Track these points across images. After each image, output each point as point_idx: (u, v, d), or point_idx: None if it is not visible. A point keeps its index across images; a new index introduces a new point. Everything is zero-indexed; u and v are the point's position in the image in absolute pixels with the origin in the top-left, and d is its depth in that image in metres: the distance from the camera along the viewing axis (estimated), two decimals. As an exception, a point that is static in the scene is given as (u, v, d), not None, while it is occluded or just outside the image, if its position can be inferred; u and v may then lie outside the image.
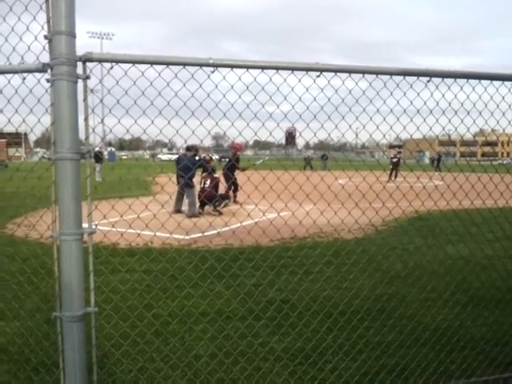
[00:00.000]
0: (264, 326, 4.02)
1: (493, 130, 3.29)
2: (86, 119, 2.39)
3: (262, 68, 2.53)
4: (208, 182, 12.73)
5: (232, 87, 2.59)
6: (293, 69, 2.56)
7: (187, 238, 7.82)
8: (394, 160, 26.25)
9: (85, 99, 2.39)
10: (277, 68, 2.55)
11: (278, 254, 6.37)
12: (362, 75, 2.68)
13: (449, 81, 2.85)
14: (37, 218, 4.19)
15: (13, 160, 65.82)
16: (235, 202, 14.11)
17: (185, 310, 4.22)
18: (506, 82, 2.97)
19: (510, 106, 3.09)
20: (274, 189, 3.12)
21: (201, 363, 3.39)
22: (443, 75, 2.77)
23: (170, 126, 2.63)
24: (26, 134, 78.68)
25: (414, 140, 3.28)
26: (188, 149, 13.07)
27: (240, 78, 2.55)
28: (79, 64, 2.34)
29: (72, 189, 2.29)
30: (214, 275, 4.23)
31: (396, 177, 24.61)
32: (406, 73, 2.73)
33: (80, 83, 2.35)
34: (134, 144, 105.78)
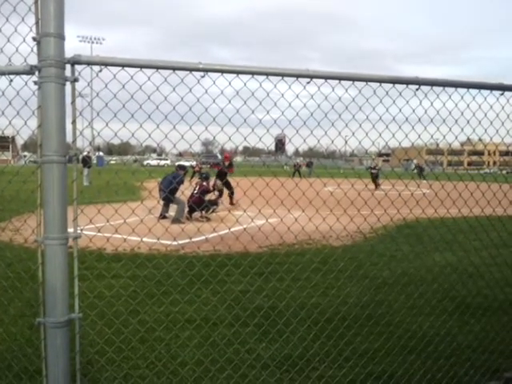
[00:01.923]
0: (251, 333, 3.99)
1: (480, 139, 3.32)
2: (73, 122, 2.37)
3: (252, 74, 2.53)
4: (197, 188, 12.98)
5: (222, 92, 2.58)
6: (283, 75, 2.56)
7: (175, 243, 7.78)
8: (373, 172, 26.24)
9: (73, 102, 2.36)
10: (267, 74, 2.55)
11: (266, 260, 6.35)
12: (351, 82, 2.69)
13: (438, 89, 2.87)
14: (21, 222, 4.13)
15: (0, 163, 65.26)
16: (232, 204, 14.36)
17: (171, 316, 4.17)
18: (493, 92, 3.00)
19: (497, 115, 3.12)
20: (263, 195, 3.11)
21: (186, 370, 3.35)
22: (432, 83, 2.78)
23: (158, 130, 2.62)
24: (13, 138, 78.08)
25: (402, 148, 3.29)
26: (180, 167, 13.63)
27: (230, 84, 2.54)
28: (68, 66, 2.32)
29: (58, 192, 2.25)
30: (201, 281, 4.19)
31: (376, 187, 24.30)
32: (395, 81, 2.74)
33: (68, 86, 2.33)
34: (123, 149, 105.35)
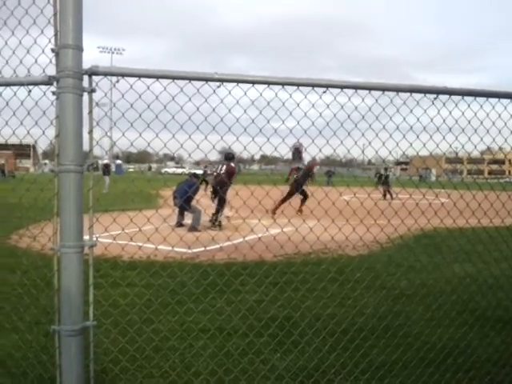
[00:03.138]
0: (266, 344, 3.96)
1: (500, 148, 3.27)
2: (90, 132, 2.39)
3: (268, 83, 2.53)
4: (223, 168, 12.83)
5: (237, 102, 2.58)
6: (298, 84, 2.56)
7: (190, 252, 7.81)
8: (383, 178, 25.74)
9: (90, 112, 2.39)
10: (282, 84, 2.54)
11: (281, 269, 6.32)
12: (368, 91, 2.67)
13: (456, 98, 2.84)
14: (39, 230, 4.17)
15: (20, 171, 66.34)
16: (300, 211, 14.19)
17: (185, 325, 4.16)
18: (513, 101, 2.95)
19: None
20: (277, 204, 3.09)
21: (200, 380, 3.34)
22: (450, 92, 2.75)
23: (174, 139, 2.63)
24: (34, 146, 79.49)
25: (420, 157, 3.26)
26: (194, 176, 13.59)
27: (246, 93, 2.55)
28: (85, 77, 2.35)
29: (74, 201, 2.28)
30: (216, 291, 4.17)
31: (385, 196, 23.47)
32: (412, 89, 2.72)
33: (85, 96, 2.36)
34: (141, 157, 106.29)
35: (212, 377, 3.42)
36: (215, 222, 12.36)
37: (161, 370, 3.49)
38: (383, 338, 4.02)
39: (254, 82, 2.51)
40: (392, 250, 8.90)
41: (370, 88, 2.67)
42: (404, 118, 2.79)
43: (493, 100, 2.96)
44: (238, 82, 2.49)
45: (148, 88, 2.45)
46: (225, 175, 12.79)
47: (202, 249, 6.50)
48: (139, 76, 2.42)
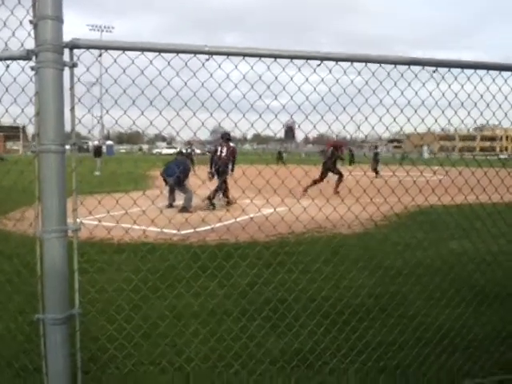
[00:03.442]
0: (259, 327, 3.86)
1: (500, 123, 3.16)
2: (72, 109, 2.25)
3: (260, 56, 2.39)
4: (224, 149, 12.90)
5: (228, 76, 2.45)
6: (292, 57, 2.42)
7: (179, 233, 7.69)
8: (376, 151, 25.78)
9: (71, 88, 2.24)
10: (275, 56, 2.41)
11: (274, 250, 6.23)
12: (364, 65, 2.54)
13: (455, 72, 2.72)
14: (21, 214, 4.01)
15: (11, 153, 65.52)
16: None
17: (175, 310, 4.04)
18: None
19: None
20: (271, 183, 2.98)
21: (192, 366, 3.25)
22: (450, 65, 2.63)
23: (162, 117, 2.49)
24: (23, 128, 78.40)
25: (418, 134, 3.15)
26: (181, 153, 13.63)
27: (236, 67, 2.41)
28: (66, 51, 2.21)
29: (56, 183, 2.15)
30: (208, 273, 4.06)
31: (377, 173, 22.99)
32: (411, 62, 2.59)
33: (67, 71, 2.22)
34: (133, 137, 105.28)
35: (205, 362, 3.34)
36: (211, 202, 12.30)
37: (151, 357, 3.40)
38: (379, 318, 3.97)
39: (245, 55, 2.37)
40: (388, 228, 8.85)
41: (366, 60, 2.54)
42: (402, 93, 2.67)
43: (494, 73, 2.84)
44: (229, 54, 2.35)
45: (133, 62, 2.31)
46: (226, 157, 12.79)
47: (192, 230, 6.36)
48: (124, 49, 2.27)
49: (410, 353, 3.55)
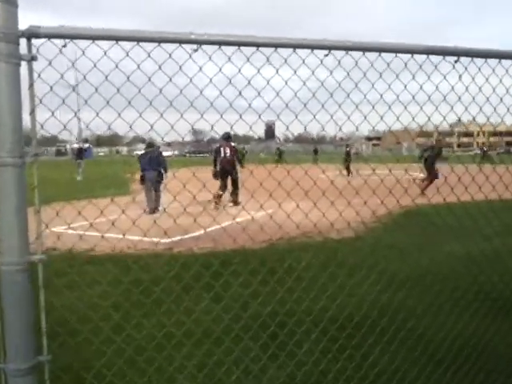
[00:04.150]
0: (247, 349, 3.45)
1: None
2: (32, 113, 1.85)
3: (258, 45, 2.02)
4: (228, 150, 13.00)
5: (220, 70, 2.07)
6: (296, 46, 2.06)
7: (164, 241, 7.26)
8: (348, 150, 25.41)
9: (30, 86, 1.84)
10: (277, 45, 2.04)
11: (262, 257, 5.86)
12: (378, 54, 2.19)
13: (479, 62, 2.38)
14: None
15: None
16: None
17: (164, 330, 3.62)
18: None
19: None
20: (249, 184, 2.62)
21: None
22: (475, 54, 2.29)
23: (141, 118, 2.11)
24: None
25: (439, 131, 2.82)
26: (150, 145, 12.99)
27: (230, 59, 2.03)
28: (23, 41, 1.81)
29: (15, 204, 1.75)
30: (201, 286, 3.66)
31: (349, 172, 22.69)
32: (430, 51, 2.25)
33: (24, 66, 1.82)
34: (112, 140, 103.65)
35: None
36: (236, 201, 12.44)
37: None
38: (386, 334, 3.62)
39: (240, 44, 1.99)
40: (379, 231, 8.55)
41: (380, 50, 2.18)
42: (421, 86, 2.33)
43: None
44: (222, 43, 1.97)
45: (105, 54, 1.92)
46: (230, 157, 12.87)
47: (179, 238, 5.95)
48: (94, 38, 1.88)
49: (423, 373, 3.23)
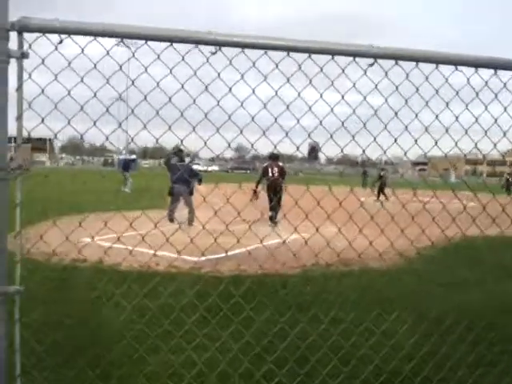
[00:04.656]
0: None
1: None
2: (18, 118, 1.58)
3: (289, 50, 1.69)
4: (275, 169, 13.12)
5: (242, 77, 1.75)
6: (335, 53, 1.71)
7: (193, 259, 6.95)
8: (382, 173, 24.36)
9: (19, 88, 1.58)
10: (310, 51, 1.70)
11: (294, 287, 5.46)
12: (454, 68, 1.81)
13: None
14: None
15: (36, 165, 66.15)
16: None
17: (171, 369, 3.19)
18: None
19: None
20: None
21: None
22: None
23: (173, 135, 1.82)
24: (50, 140, 79.43)
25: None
26: (176, 154, 12.22)
27: (254, 65, 1.71)
28: (13, 36, 1.55)
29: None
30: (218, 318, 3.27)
31: (379, 196, 21.84)
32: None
33: (13, 64, 1.56)
34: (158, 152, 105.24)
35: None
36: (273, 221, 12.12)
37: None
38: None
39: (268, 48, 1.67)
40: (420, 263, 7.95)
41: (453, 62, 1.80)
42: (486, 107, 1.93)
43: None
44: (245, 46, 1.65)
45: (108, 53, 1.63)
46: (278, 176, 13.08)
47: (204, 258, 5.60)
48: (96, 35, 1.60)
49: None
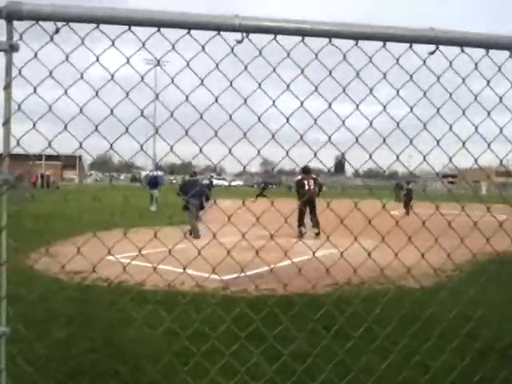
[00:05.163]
0: None
1: None
2: (5, 123, 1.32)
3: (331, 37, 1.39)
4: (312, 182, 13.54)
5: (274, 70, 1.46)
6: (387, 38, 1.41)
7: (217, 278, 6.64)
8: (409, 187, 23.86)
9: (6, 87, 1.32)
10: (356, 36, 1.40)
11: (327, 309, 5.06)
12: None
13: None
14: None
15: (66, 182, 67.25)
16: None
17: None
18: None
19: None
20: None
21: None
22: None
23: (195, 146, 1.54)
24: (80, 157, 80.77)
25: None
26: (192, 174, 13.99)
27: (289, 55, 1.42)
28: (1, 23, 1.31)
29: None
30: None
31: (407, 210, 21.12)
32: None
33: (1, 57, 1.31)
34: (185, 168, 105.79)
35: None
36: (319, 233, 12.38)
37: None
38: None
39: (306, 34, 1.37)
40: (462, 281, 7.47)
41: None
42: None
43: None
44: (278, 32, 1.36)
45: (113, 44, 1.36)
46: (314, 189, 13.35)
47: (235, 275, 5.27)
48: (98, 21, 1.33)
49: None
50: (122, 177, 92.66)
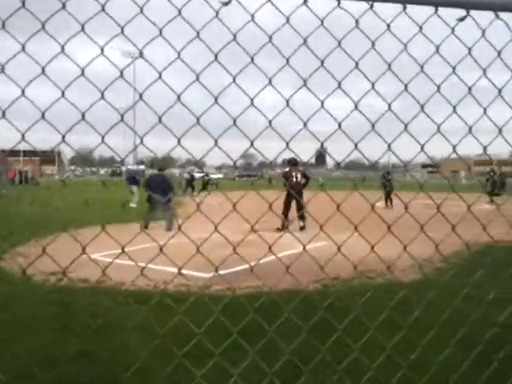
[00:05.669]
0: None
1: None
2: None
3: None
4: (298, 174, 13.49)
5: (252, 61, 1.22)
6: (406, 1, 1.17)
7: (200, 275, 6.41)
8: (389, 177, 23.10)
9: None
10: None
11: (314, 304, 4.85)
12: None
13: None
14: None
15: (45, 178, 65.78)
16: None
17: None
18: None
19: None
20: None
21: None
22: None
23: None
24: (59, 152, 79.37)
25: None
26: (160, 169, 14.18)
27: (288, 21, 1.17)
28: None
29: None
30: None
31: (387, 203, 21.09)
32: None
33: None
34: (166, 162, 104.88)
35: None
36: (304, 227, 12.25)
37: None
38: None
39: None
40: (451, 273, 7.30)
41: None
42: None
43: None
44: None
45: (82, 29, 1.09)
46: (301, 181, 13.44)
47: (222, 272, 5.02)
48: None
49: None
50: (102, 171, 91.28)
